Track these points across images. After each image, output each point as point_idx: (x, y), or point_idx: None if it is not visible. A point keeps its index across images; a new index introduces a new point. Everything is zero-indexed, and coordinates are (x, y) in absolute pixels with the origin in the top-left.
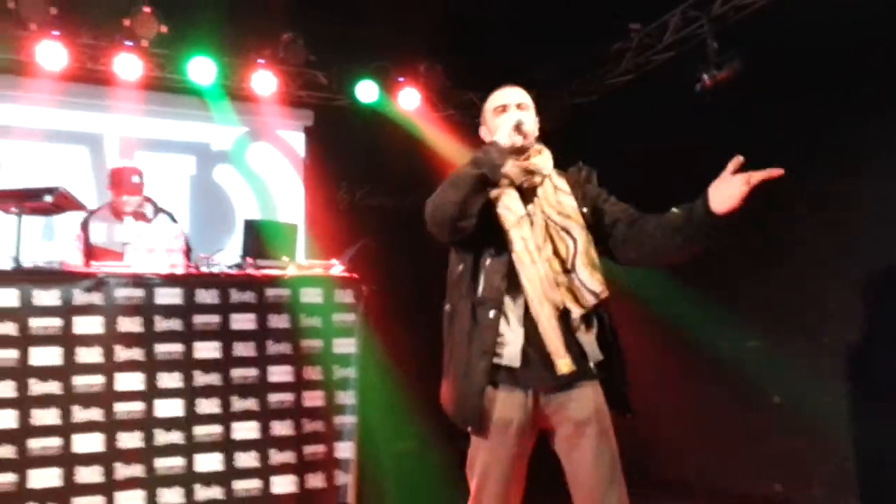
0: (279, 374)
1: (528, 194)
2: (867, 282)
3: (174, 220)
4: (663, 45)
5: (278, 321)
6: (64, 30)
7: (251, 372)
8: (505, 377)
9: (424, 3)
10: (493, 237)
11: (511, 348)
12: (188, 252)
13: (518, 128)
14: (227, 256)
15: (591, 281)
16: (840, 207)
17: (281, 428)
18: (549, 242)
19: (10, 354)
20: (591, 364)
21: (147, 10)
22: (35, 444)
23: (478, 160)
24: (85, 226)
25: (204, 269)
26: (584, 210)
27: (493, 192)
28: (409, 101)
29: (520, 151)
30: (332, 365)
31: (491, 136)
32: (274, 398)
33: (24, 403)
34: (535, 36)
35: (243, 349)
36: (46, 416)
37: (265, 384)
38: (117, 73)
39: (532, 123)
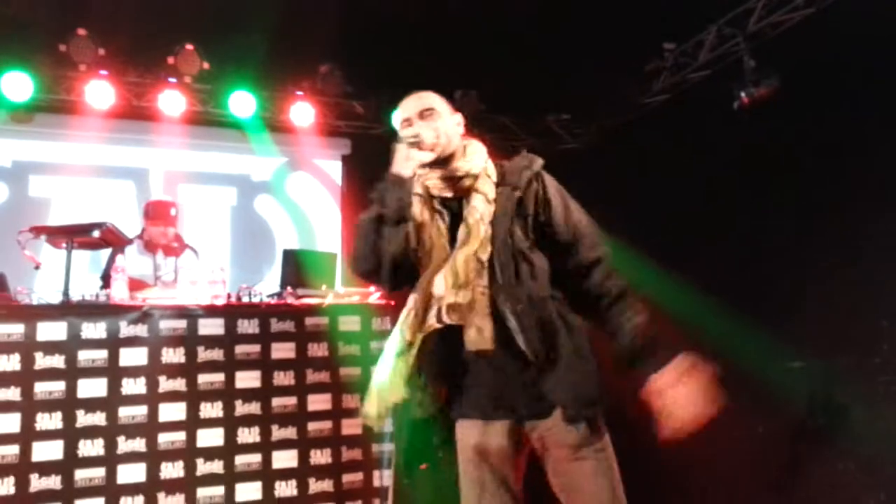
0: (318, 402)
1: (456, 206)
2: None
3: (197, 255)
4: (699, 63)
5: (317, 350)
6: (111, 69)
7: (291, 401)
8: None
9: (461, 29)
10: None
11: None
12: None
13: (415, 145)
14: (267, 286)
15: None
16: (888, 226)
17: (320, 456)
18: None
19: (58, 387)
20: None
21: (190, 47)
22: (81, 475)
23: (379, 197)
24: (114, 258)
25: (245, 300)
26: (515, 229)
27: (417, 220)
28: None
29: (443, 161)
30: None
31: (400, 155)
32: (313, 427)
33: (71, 435)
34: (569, 58)
35: (283, 378)
36: (92, 448)
37: (304, 413)
38: (162, 108)
39: (435, 131)
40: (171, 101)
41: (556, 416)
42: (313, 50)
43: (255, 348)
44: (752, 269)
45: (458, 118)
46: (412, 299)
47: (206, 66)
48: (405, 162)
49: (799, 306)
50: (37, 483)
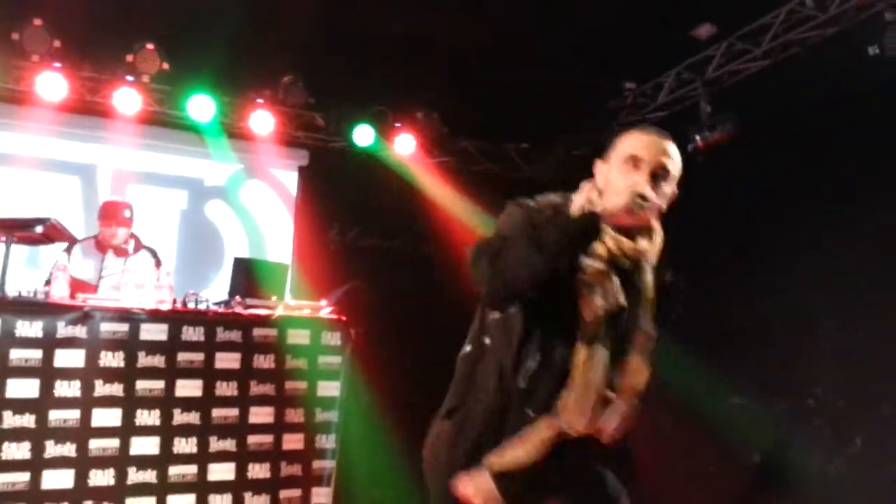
0: (260, 415)
1: (624, 278)
2: (854, 347)
3: (157, 258)
4: (658, 104)
5: (263, 361)
6: (66, 62)
7: (232, 412)
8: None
9: (426, 51)
10: (567, 312)
11: None
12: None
13: (630, 212)
14: (213, 293)
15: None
16: (830, 269)
17: (258, 470)
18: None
19: None
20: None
21: (150, 46)
22: (3, 479)
23: (564, 226)
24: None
25: (191, 306)
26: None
27: (590, 269)
28: (404, 146)
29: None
30: (315, 408)
31: (602, 185)
32: (253, 440)
33: None
34: (532, 89)
35: (226, 388)
36: (17, 451)
37: (245, 425)
38: (116, 106)
39: (657, 199)
40: (127, 99)
41: None
42: (277, 59)
43: (199, 356)
44: (698, 306)
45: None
46: (583, 378)
47: (165, 66)
48: (596, 202)
49: (741, 346)
50: None
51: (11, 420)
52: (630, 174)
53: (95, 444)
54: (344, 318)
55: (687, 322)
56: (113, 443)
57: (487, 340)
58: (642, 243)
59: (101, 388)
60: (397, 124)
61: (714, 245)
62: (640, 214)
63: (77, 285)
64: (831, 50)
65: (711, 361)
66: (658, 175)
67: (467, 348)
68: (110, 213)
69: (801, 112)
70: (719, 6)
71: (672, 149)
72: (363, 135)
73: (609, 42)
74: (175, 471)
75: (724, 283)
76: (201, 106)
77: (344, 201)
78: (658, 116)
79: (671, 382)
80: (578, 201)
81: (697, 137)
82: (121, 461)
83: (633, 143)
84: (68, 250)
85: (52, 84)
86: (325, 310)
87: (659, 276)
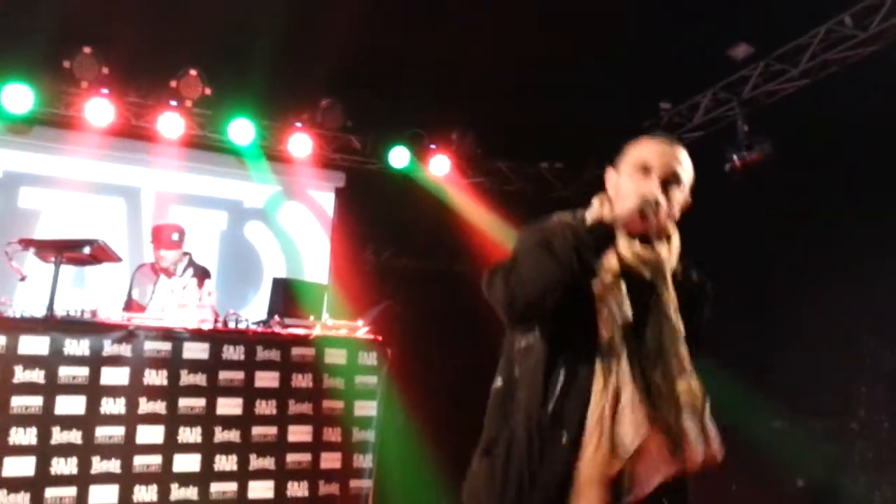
0: (299, 433)
1: (640, 291)
2: None
3: (208, 276)
4: (693, 124)
5: (301, 380)
6: (113, 88)
7: (271, 430)
8: None
9: (460, 73)
10: (589, 332)
11: None
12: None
13: (645, 215)
14: (251, 313)
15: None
16: (871, 289)
17: (297, 489)
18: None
19: (35, 402)
20: None
21: (193, 72)
22: (52, 493)
23: (577, 235)
24: (131, 280)
25: (231, 326)
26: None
27: (599, 291)
28: (439, 167)
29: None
30: (352, 427)
31: (613, 193)
32: (291, 458)
33: (45, 451)
34: (566, 109)
35: (265, 407)
36: (65, 466)
37: (284, 443)
38: (160, 130)
39: (672, 208)
40: (171, 123)
41: None
42: (314, 83)
43: (240, 375)
44: (739, 328)
45: (687, 200)
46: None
47: (207, 91)
48: (607, 211)
49: (783, 368)
50: (4, 500)
51: (59, 436)
52: (641, 181)
53: (139, 461)
54: (380, 338)
55: (727, 343)
56: (156, 459)
57: (517, 372)
58: (660, 250)
59: (145, 406)
60: (432, 146)
61: (754, 266)
62: (652, 219)
63: (135, 307)
64: (871, 69)
65: (752, 384)
66: (669, 181)
67: (498, 382)
68: (158, 237)
69: (840, 132)
70: (756, 26)
71: (683, 155)
72: (399, 156)
73: (645, 62)
74: (216, 488)
75: (763, 303)
76: (242, 130)
77: (380, 222)
78: (694, 137)
79: (713, 406)
80: (590, 211)
81: (734, 157)
82: (164, 477)
83: (642, 150)
84: (133, 275)
85: (99, 109)
86: (362, 330)
87: (686, 282)
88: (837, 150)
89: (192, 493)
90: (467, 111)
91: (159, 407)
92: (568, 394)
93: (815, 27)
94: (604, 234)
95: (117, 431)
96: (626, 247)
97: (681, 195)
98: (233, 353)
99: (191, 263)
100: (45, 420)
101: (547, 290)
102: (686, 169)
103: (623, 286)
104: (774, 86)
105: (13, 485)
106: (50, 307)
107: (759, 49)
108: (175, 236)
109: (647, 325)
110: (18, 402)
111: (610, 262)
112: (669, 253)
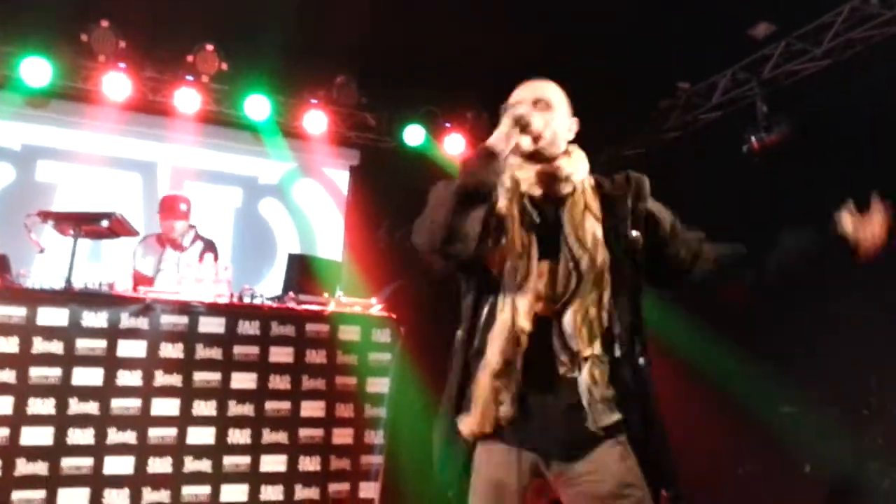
0: (312, 409)
1: (550, 212)
2: None
3: (214, 250)
4: (712, 104)
5: (315, 356)
6: (130, 62)
7: (284, 405)
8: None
9: (475, 52)
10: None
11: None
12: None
13: (519, 124)
14: (265, 288)
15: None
16: (885, 275)
17: (308, 463)
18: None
19: (54, 373)
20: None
21: (210, 48)
22: (68, 463)
23: (468, 170)
24: (134, 252)
25: (246, 301)
26: (632, 234)
27: (501, 212)
28: (454, 145)
29: (542, 158)
30: (364, 403)
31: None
32: (304, 433)
33: (62, 422)
34: (583, 88)
35: (279, 382)
36: (82, 437)
37: (297, 418)
38: (177, 105)
39: (545, 122)
40: (187, 98)
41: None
42: (331, 60)
43: (254, 350)
44: (754, 314)
45: (574, 123)
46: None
47: (224, 66)
48: (503, 140)
49: (792, 354)
50: (23, 468)
51: (77, 407)
52: (515, 109)
53: (154, 433)
54: (394, 316)
55: (737, 330)
56: (171, 431)
57: (462, 315)
58: (559, 164)
59: (161, 379)
60: (447, 124)
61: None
62: (532, 132)
63: (140, 279)
64: None
65: (762, 370)
66: (538, 102)
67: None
68: (167, 207)
69: (863, 113)
70: (777, 5)
71: (549, 84)
72: (413, 134)
73: (663, 41)
74: (229, 461)
75: (775, 289)
76: (257, 105)
77: (394, 200)
78: (712, 117)
79: (722, 390)
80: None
81: (753, 139)
82: (178, 450)
83: (514, 93)
84: (135, 247)
85: (116, 84)
86: (376, 307)
87: (606, 186)
88: (860, 133)
89: (205, 465)
90: (482, 90)
91: (175, 380)
92: (487, 327)
93: (839, 5)
94: (488, 154)
95: (133, 403)
96: (520, 167)
97: (558, 115)
98: (248, 327)
99: (197, 236)
100: (62, 391)
101: (450, 221)
102: (554, 94)
103: (524, 216)
104: (795, 65)
105: (31, 453)
106: (68, 279)
107: (781, 28)
108: (183, 206)
109: (559, 233)
110: (37, 373)
111: (508, 184)
112: (571, 165)
